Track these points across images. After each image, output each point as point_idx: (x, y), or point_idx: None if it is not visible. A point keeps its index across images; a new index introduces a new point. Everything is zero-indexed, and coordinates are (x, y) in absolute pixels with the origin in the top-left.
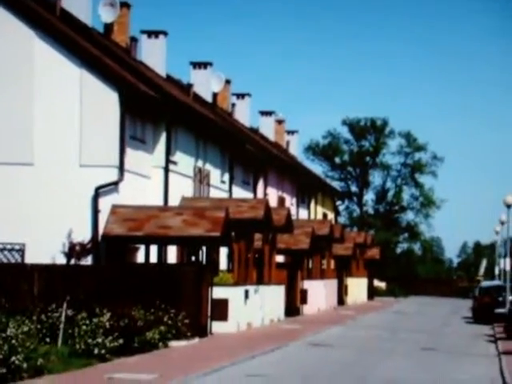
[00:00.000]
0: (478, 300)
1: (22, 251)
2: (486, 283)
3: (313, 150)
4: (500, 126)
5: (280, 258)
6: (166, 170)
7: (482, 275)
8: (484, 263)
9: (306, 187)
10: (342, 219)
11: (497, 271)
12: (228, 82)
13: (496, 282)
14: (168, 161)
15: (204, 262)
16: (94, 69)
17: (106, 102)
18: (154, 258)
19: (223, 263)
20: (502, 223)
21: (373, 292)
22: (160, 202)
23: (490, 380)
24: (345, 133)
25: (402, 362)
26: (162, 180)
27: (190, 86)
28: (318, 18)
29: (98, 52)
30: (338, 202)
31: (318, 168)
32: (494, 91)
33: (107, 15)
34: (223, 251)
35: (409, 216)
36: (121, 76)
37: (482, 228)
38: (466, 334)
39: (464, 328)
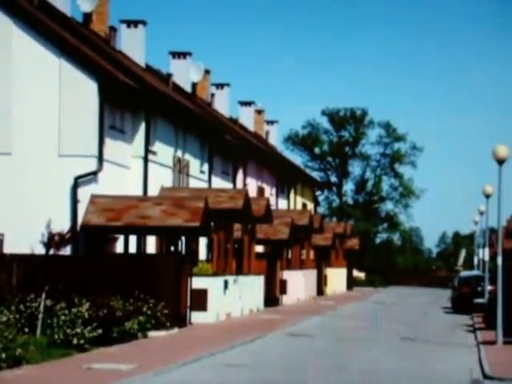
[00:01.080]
0: (457, 290)
1: (0, 241)
2: (464, 273)
3: (292, 140)
4: (480, 117)
5: (259, 248)
6: (146, 160)
7: (461, 265)
8: (463, 253)
9: (286, 177)
10: (321, 209)
11: (476, 261)
12: (207, 71)
13: (475, 272)
14: (147, 151)
15: (183, 252)
16: (72, 58)
17: (84, 91)
18: (133, 248)
19: (202, 253)
20: (481, 213)
21: (352, 282)
22: (139, 192)
23: (469, 370)
24: (324, 123)
25: (381, 352)
26: (142, 170)
27: (169, 75)
28: (297, 9)
29: (77, 41)
30: (318, 193)
31: (297, 158)
32: (473, 81)
33: (86, 4)
34: (202, 241)
35: (388, 206)
36: (100, 65)
37: (461, 218)
38: (445, 323)
39: (443, 318)
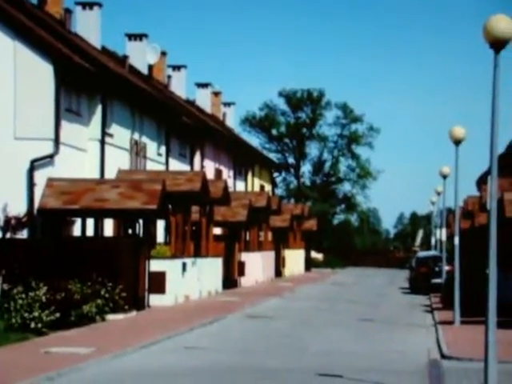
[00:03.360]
0: (414, 270)
1: None
2: (422, 254)
3: (250, 121)
4: (437, 96)
5: (217, 231)
6: (102, 143)
7: (419, 246)
8: (420, 234)
9: (243, 159)
10: (279, 191)
11: (433, 241)
12: (164, 53)
13: (432, 253)
14: (104, 133)
15: (141, 234)
16: (27, 41)
17: (40, 74)
18: (90, 232)
19: (160, 236)
20: (438, 194)
21: (310, 263)
22: (96, 175)
23: (427, 350)
24: (281, 104)
25: (340, 334)
26: (98, 153)
27: (125, 57)
28: None
29: (32, 23)
30: (275, 174)
31: (254, 140)
32: (429, 60)
33: None
34: (160, 224)
35: (346, 187)
36: (55, 48)
37: (418, 199)
38: (403, 304)
39: (401, 298)
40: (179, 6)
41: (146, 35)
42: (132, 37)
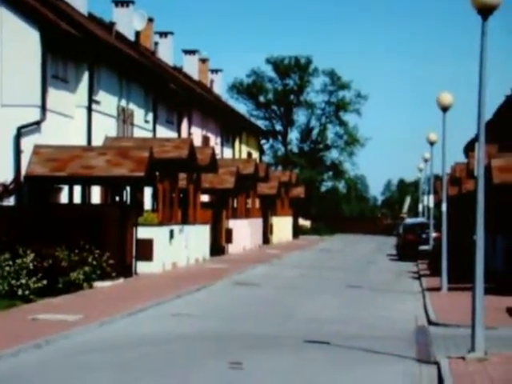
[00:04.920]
0: (402, 237)
1: None
2: (409, 220)
3: (237, 88)
4: (424, 63)
5: (205, 198)
6: (89, 110)
7: (406, 212)
8: (408, 200)
9: (231, 126)
10: (266, 158)
11: (420, 208)
12: (151, 20)
13: (420, 220)
14: (91, 100)
15: (128, 202)
16: (13, 6)
17: (26, 40)
18: (77, 199)
19: (148, 203)
20: (426, 160)
21: (298, 230)
22: (83, 142)
23: (414, 316)
24: (269, 71)
25: (327, 300)
26: (85, 120)
27: (112, 24)
28: None
29: None
30: (263, 141)
31: (242, 107)
32: (416, 27)
33: None
34: (147, 191)
35: (333, 154)
36: (41, 14)
37: (405, 166)
38: (391, 271)
39: (388, 265)
40: None
41: (132, 1)
42: (119, 3)
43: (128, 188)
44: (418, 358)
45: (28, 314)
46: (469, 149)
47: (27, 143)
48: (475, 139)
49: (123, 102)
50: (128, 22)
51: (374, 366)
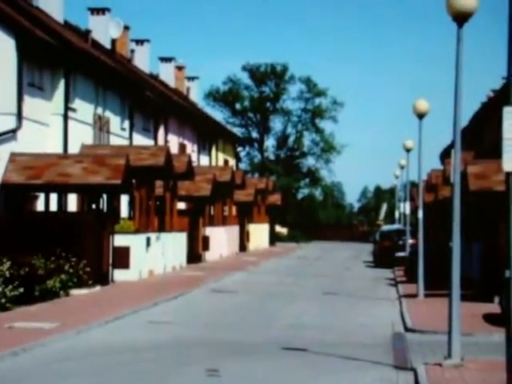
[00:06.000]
0: (378, 244)
1: None
2: (386, 227)
3: (213, 96)
4: (400, 71)
5: (181, 205)
6: (65, 118)
7: (383, 219)
8: (384, 207)
9: (207, 134)
10: (243, 165)
11: (397, 215)
12: (127, 27)
13: (396, 226)
14: (67, 108)
15: (105, 209)
16: None
17: (2, 48)
18: (54, 207)
19: (124, 211)
20: (402, 167)
21: (275, 238)
22: (59, 150)
23: (391, 323)
24: (245, 79)
25: (305, 307)
26: (61, 127)
27: (88, 32)
28: None
29: None
30: (239, 149)
31: (218, 114)
32: (394, 34)
33: None
34: (124, 199)
35: (310, 161)
36: (17, 21)
37: (382, 173)
38: (367, 277)
39: (365, 272)
40: None
41: (108, 9)
42: (94, 11)
43: (104, 196)
44: (395, 365)
45: (4, 322)
46: (445, 155)
47: (3, 151)
48: (451, 146)
49: (99, 110)
50: (104, 30)
51: (351, 373)
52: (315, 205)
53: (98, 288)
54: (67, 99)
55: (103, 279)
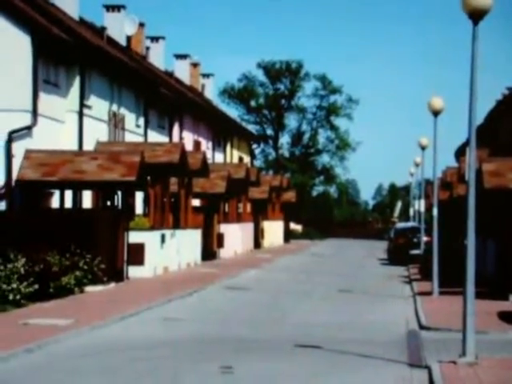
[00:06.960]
0: (393, 242)
1: None
2: (400, 225)
3: (228, 93)
4: (416, 67)
5: (196, 202)
6: (81, 115)
7: (397, 217)
8: (399, 205)
9: (222, 131)
10: (257, 162)
11: (411, 213)
12: (142, 25)
13: (411, 224)
14: (82, 105)
15: (120, 206)
16: (4, 11)
17: (18, 45)
18: (68, 204)
19: (139, 208)
20: (417, 165)
21: (289, 235)
22: (74, 147)
23: (405, 320)
24: (260, 76)
25: (319, 305)
26: (77, 124)
27: (103, 29)
28: None
29: None
30: (254, 146)
31: (233, 111)
32: (408, 30)
33: None
34: (139, 196)
35: (324, 159)
36: (33, 19)
37: (397, 170)
38: (382, 275)
39: (379, 269)
40: None
41: (123, 6)
42: (110, 8)
43: (119, 192)
44: (409, 363)
45: (19, 318)
46: (460, 153)
47: (18, 148)
48: (466, 144)
49: (114, 107)
50: (119, 27)
51: (364, 370)
52: (330, 202)
53: (112, 285)
54: (82, 96)
55: (118, 276)
